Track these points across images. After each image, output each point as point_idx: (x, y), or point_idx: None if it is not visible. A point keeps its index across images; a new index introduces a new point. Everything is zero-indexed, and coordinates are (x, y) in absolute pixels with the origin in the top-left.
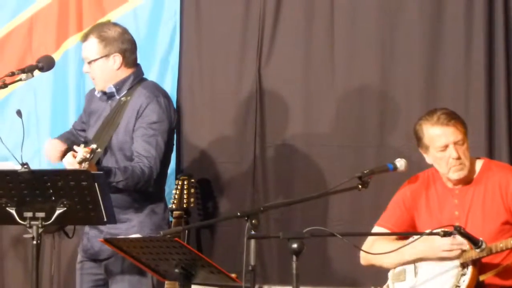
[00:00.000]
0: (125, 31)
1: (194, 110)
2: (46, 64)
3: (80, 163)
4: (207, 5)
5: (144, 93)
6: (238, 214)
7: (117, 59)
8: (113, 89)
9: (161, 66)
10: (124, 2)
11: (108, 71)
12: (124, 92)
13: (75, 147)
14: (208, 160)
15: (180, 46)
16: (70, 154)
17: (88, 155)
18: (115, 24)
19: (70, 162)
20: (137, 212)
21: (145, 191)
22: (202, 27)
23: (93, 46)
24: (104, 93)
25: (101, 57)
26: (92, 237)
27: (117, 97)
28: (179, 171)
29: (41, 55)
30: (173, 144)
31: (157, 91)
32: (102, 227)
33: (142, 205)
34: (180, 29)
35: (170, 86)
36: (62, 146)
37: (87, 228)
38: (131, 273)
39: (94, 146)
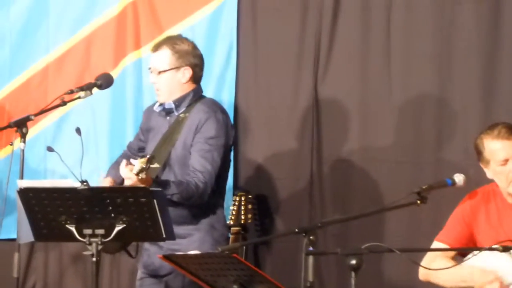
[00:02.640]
0: (196, 47)
1: (250, 126)
2: (105, 81)
3: (137, 174)
4: (263, 22)
5: (203, 109)
6: (296, 230)
7: (187, 72)
8: (172, 105)
9: (218, 83)
10: (181, 19)
11: (175, 84)
12: (183, 109)
13: (131, 160)
14: (265, 176)
15: (237, 63)
16: (127, 167)
17: (144, 165)
18: (186, 39)
19: (127, 175)
20: (197, 228)
21: (205, 207)
22: (258, 43)
23: (165, 57)
24: (163, 108)
25: (172, 68)
26: (153, 253)
27: (176, 113)
28: (236, 187)
29: (100, 73)
30: (230, 160)
31: (216, 107)
32: (162, 243)
33: (202, 221)
34: (236, 46)
35: (226, 102)
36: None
37: (147, 245)
38: None
39: (150, 155)
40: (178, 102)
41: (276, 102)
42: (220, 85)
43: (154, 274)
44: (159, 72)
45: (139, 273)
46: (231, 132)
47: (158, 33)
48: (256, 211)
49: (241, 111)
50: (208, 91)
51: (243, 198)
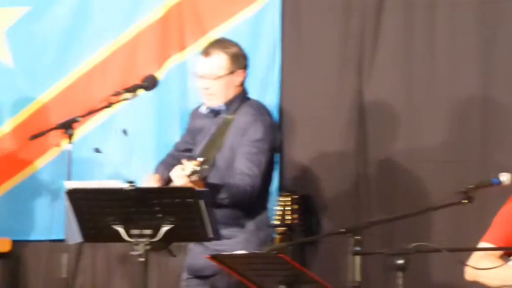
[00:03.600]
0: (241, 47)
1: (295, 127)
2: (150, 83)
3: (189, 175)
4: (307, 23)
5: (249, 112)
6: (342, 230)
7: (241, 75)
8: (223, 107)
9: (262, 84)
10: (225, 21)
11: (230, 87)
12: (231, 111)
13: (182, 161)
14: (311, 176)
15: (281, 64)
16: (178, 167)
17: (197, 168)
18: (233, 41)
19: (179, 175)
20: (242, 229)
21: (250, 208)
22: (302, 44)
23: (221, 62)
24: (211, 110)
25: (229, 73)
26: (197, 253)
27: (224, 115)
28: (282, 188)
29: (145, 74)
30: (276, 162)
31: (262, 109)
32: (207, 244)
33: (247, 221)
34: (280, 47)
35: (271, 104)
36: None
37: (191, 245)
38: None
39: (202, 159)
40: (228, 104)
41: (321, 103)
42: (264, 87)
43: (198, 275)
44: (217, 78)
45: (184, 274)
46: (277, 135)
47: (202, 35)
48: (301, 212)
49: (285, 112)
50: (252, 92)
51: (288, 199)
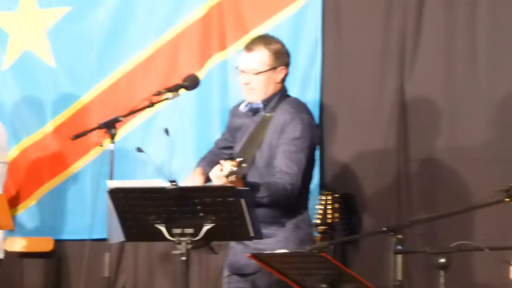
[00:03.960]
0: (284, 45)
1: (336, 125)
2: (192, 82)
3: (227, 176)
4: (348, 20)
5: (288, 110)
6: (384, 229)
7: (282, 72)
8: (261, 105)
9: (303, 82)
10: (266, 19)
11: (271, 83)
12: (269, 108)
13: (221, 161)
14: (352, 175)
15: (322, 62)
16: (217, 167)
17: (235, 168)
18: (276, 37)
19: (217, 175)
20: (282, 227)
21: (290, 207)
22: (343, 42)
23: (263, 57)
24: (250, 108)
25: (270, 69)
26: (238, 252)
27: (263, 113)
28: (322, 186)
29: (186, 74)
30: (315, 160)
31: (300, 107)
32: (248, 242)
33: (287, 220)
34: (321, 45)
35: (311, 101)
36: (201, 182)
37: (233, 243)
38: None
39: (240, 159)
40: (266, 102)
41: (362, 101)
42: (305, 84)
43: (239, 273)
44: (258, 73)
45: (225, 272)
46: (316, 133)
47: (243, 34)
48: (342, 210)
49: (326, 110)
50: (293, 90)
51: (329, 197)
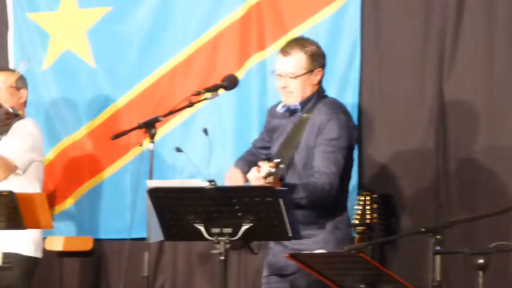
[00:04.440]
0: (320, 46)
1: (375, 126)
2: (230, 82)
3: (265, 177)
4: (386, 21)
5: (325, 110)
6: (423, 229)
7: (319, 74)
8: (298, 106)
9: (341, 82)
10: (305, 19)
11: (308, 85)
12: (306, 109)
13: (259, 163)
14: (390, 175)
15: (360, 63)
16: (254, 168)
17: (273, 170)
18: (311, 39)
19: (255, 176)
20: (320, 228)
21: (328, 207)
22: (382, 43)
23: (300, 61)
24: (287, 109)
25: (307, 72)
26: (277, 252)
27: (300, 114)
28: (361, 186)
29: (225, 74)
30: (353, 160)
31: (337, 108)
32: (286, 243)
33: (326, 220)
34: (360, 46)
35: (350, 102)
36: (241, 176)
37: (272, 244)
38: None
39: (278, 160)
40: (303, 103)
41: (401, 101)
42: (343, 85)
43: (279, 273)
44: (295, 77)
45: (265, 272)
46: (353, 133)
47: (282, 34)
48: (381, 211)
49: (365, 111)
50: (331, 91)
51: (368, 198)
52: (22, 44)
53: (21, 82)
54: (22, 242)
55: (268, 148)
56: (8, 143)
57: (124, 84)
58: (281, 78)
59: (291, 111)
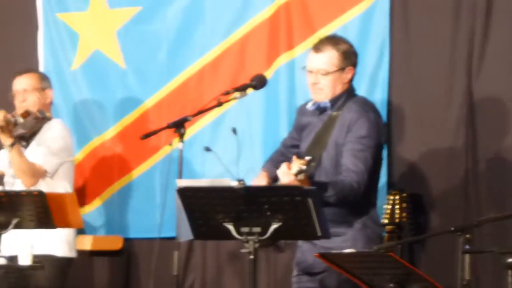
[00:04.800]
0: (352, 44)
1: (404, 124)
2: (259, 82)
3: (296, 174)
4: (416, 20)
5: (354, 108)
6: (452, 228)
7: (350, 72)
8: (328, 104)
9: (370, 81)
10: (333, 19)
11: (339, 83)
12: (336, 107)
13: (293, 158)
14: (419, 174)
15: (390, 62)
16: (284, 164)
17: (304, 167)
18: (344, 38)
19: (285, 172)
20: (350, 226)
21: (357, 206)
22: (411, 42)
23: (332, 58)
24: (317, 107)
25: (338, 69)
26: (306, 250)
27: (329, 112)
28: (390, 185)
29: (254, 74)
30: (382, 159)
31: (367, 106)
32: (315, 241)
33: (355, 219)
34: (389, 45)
35: (379, 101)
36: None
37: (300, 242)
38: (347, 286)
39: (309, 158)
40: (333, 101)
41: (430, 100)
42: (372, 84)
43: (308, 272)
44: (326, 74)
45: (294, 271)
46: (382, 131)
47: (311, 33)
48: (410, 210)
49: (394, 109)
50: (361, 89)
51: (397, 197)
52: (52, 44)
53: (46, 83)
54: (56, 243)
55: (298, 146)
56: (38, 148)
57: (154, 84)
58: (312, 74)
59: (320, 109)
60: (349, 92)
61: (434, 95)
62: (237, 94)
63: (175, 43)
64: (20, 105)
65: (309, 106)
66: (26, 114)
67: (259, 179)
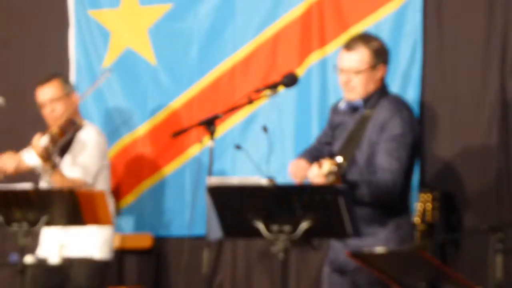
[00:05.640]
0: (384, 42)
1: (437, 123)
2: (291, 80)
3: (326, 175)
4: (449, 18)
5: (387, 107)
6: (485, 227)
7: (382, 70)
8: (361, 103)
9: (403, 79)
10: (366, 16)
11: (371, 81)
12: (369, 106)
13: (321, 160)
14: (452, 173)
15: (422, 60)
16: (315, 165)
17: (334, 168)
18: (375, 36)
19: (316, 173)
20: (382, 226)
21: (390, 205)
22: (444, 40)
23: (363, 56)
24: (349, 106)
25: (370, 67)
26: (338, 249)
27: (362, 110)
28: (423, 184)
29: (285, 71)
30: (415, 158)
31: (400, 104)
32: (348, 240)
33: (388, 219)
34: (422, 43)
35: (411, 99)
36: (307, 165)
37: (333, 241)
38: (379, 285)
39: (340, 159)
40: (366, 99)
41: (463, 99)
42: (405, 82)
43: (339, 270)
44: (358, 72)
45: (326, 269)
46: (417, 130)
47: (343, 31)
48: (443, 209)
49: (427, 107)
50: (393, 87)
51: (429, 196)
52: (83, 42)
53: (69, 86)
54: (94, 245)
55: (331, 144)
56: (75, 160)
57: (185, 82)
58: (343, 73)
59: (353, 108)
60: (382, 90)
61: (467, 93)
62: (268, 92)
63: (206, 40)
64: (50, 116)
65: (341, 105)
66: (62, 133)
67: (299, 162)
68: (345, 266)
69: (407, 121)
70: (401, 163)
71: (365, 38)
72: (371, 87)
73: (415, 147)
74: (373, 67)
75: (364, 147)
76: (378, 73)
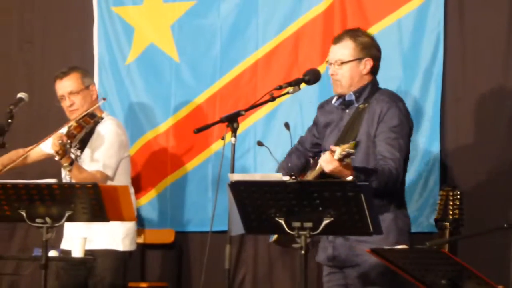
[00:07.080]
0: (375, 39)
1: (457, 121)
2: (313, 77)
3: (341, 159)
4: (471, 15)
5: (383, 99)
6: (505, 225)
7: (368, 64)
8: (353, 97)
9: (425, 76)
10: (388, 14)
11: (356, 75)
12: (362, 100)
13: (331, 147)
14: (472, 171)
15: (444, 57)
16: (327, 152)
17: (351, 150)
18: (366, 33)
19: (328, 159)
20: (382, 218)
21: (388, 197)
22: (466, 37)
23: (348, 48)
24: (342, 102)
25: (355, 59)
26: (338, 245)
27: (356, 105)
28: (443, 182)
29: (308, 68)
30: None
31: (395, 96)
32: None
33: (386, 211)
34: (444, 40)
35: (433, 96)
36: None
37: (331, 237)
38: (384, 278)
39: (356, 140)
40: (358, 93)
41: (484, 96)
42: (427, 79)
43: (340, 266)
44: (342, 63)
45: (326, 269)
46: (410, 120)
47: (365, 28)
48: (462, 206)
49: (448, 105)
50: (415, 84)
51: (450, 193)
52: (107, 38)
53: (88, 79)
54: (118, 238)
55: (317, 145)
56: (95, 153)
57: (207, 78)
58: (331, 66)
59: (346, 103)
60: (373, 85)
61: (488, 91)
62: (290, 88)
63: (229, 37)
64: (69, 110)
65: (334, 101)
66: (80, 128)
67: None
68: (346, 262)
69: (403, 113)
70: (401, 152)
71: (352, 32)
72: (357, 80)
73: (410, 137)
74: (357, 59)
75: (362, 139)
76: (365, 67)
